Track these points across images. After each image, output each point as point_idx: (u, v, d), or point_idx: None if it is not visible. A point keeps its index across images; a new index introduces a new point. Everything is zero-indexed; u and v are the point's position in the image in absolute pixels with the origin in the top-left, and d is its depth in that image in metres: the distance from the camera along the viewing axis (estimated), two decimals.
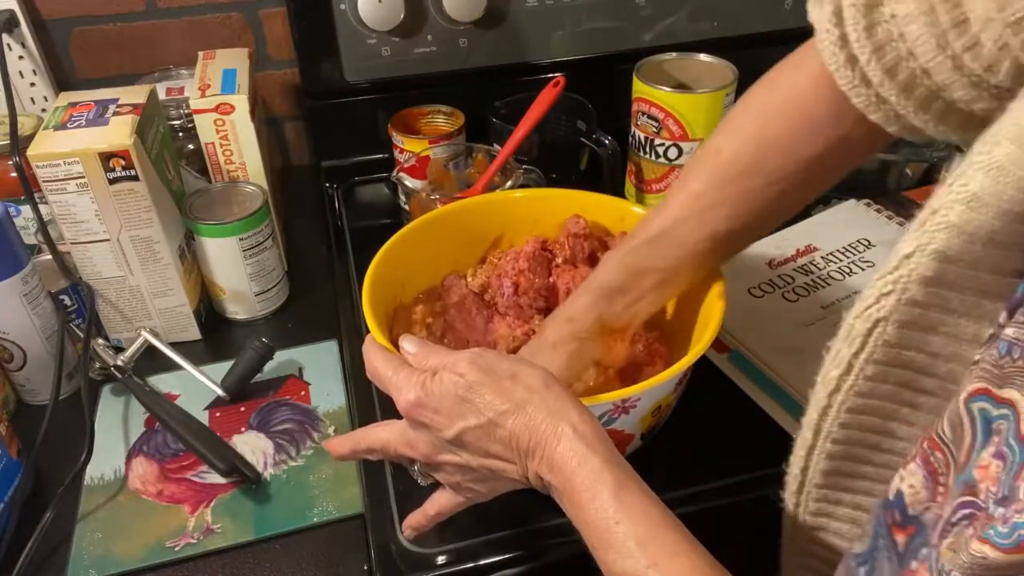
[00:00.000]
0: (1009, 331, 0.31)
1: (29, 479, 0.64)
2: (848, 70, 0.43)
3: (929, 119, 0.43)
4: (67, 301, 0.73)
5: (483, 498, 0.52)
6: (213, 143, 0.79)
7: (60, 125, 0.69)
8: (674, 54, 0.88)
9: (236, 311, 0.82)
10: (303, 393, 0.73)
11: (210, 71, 0.80)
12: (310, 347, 0.78)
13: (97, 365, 0.73)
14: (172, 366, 0.73)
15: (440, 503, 0.54)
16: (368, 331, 0.57)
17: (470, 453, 0.47)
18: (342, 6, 0.89)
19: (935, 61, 0.39)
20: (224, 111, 0.76)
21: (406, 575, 0.57)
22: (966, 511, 0.29)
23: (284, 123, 1.07)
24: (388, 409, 0.51)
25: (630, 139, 0.88)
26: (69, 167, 0.66)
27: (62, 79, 0.95)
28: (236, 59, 0.83)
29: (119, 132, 0.67)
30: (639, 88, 0.83)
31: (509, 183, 0.80)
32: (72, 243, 0.71)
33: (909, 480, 0.34)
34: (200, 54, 0.85)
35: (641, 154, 0.86)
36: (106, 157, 0.66)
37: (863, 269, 0.78)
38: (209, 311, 0.82)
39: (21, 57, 0.90)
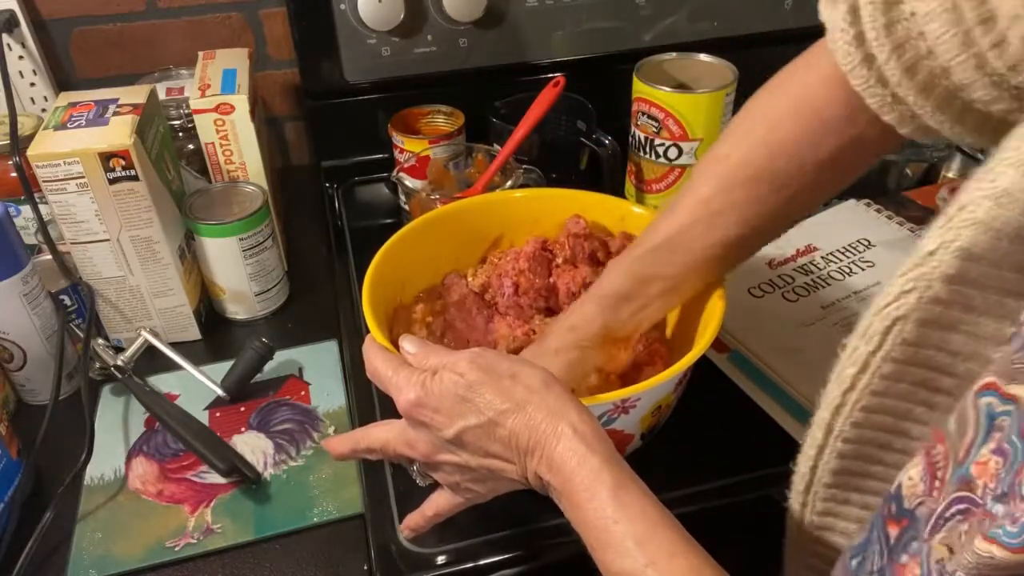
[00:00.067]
0: None
1: (29, 479, 0.64)
2: (864, 69, 0.43)
3: (946, 120, 0.42)
4: (67, 301, 0.73)
5: (482, 499, 0.52)
6: (213, 143, 0.79)
7: (60, 125, 0.69)
8: (674, 54, 0.88)
9: (236, 311, 0.82)
10: (303, 393, 0.73)
11: (210, 71, 0.80)
12: (310, 347, 0.78)
13: (97, 365, 0.73)
14: (172, 366, 0.73)
15: (438, 504, 0.54)
16: (368, 331, 0.57)
17: (469, 453, 0.47)
18: (342, 6, 0.89)
19: (957, 60, 0.39)
20: (224, 111, 0.77)
21: (406, 575, 0.57)
22: (960, 507, 0.29)
23: (284, 123, 1.07)
24: (388, 409, 0.51)
25: (630, 139, 0.88)
26: (69, 167, 0.66)
27: (62, 79, 0.95)
28: (236, 59, 0.83)
29: (119, 132, 0.67)
30: (639, 88, 0.83)
31: (509, 183, 0.80)
32: (72, 243, 0.71)
33: (910, 472, 0.34)
34: (200, 54, 0.85)
35: (641, 154, 0.86)
36: (106, 157, 0.66)
37: (863, 269, 0.78)
38: (209, 311, 0.82)
39: (21, 57, 0.90)
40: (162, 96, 0.87)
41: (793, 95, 0.51)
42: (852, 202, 0.87)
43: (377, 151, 1.00)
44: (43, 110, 0.92)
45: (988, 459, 0.28)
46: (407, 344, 0.51)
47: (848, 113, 0.47)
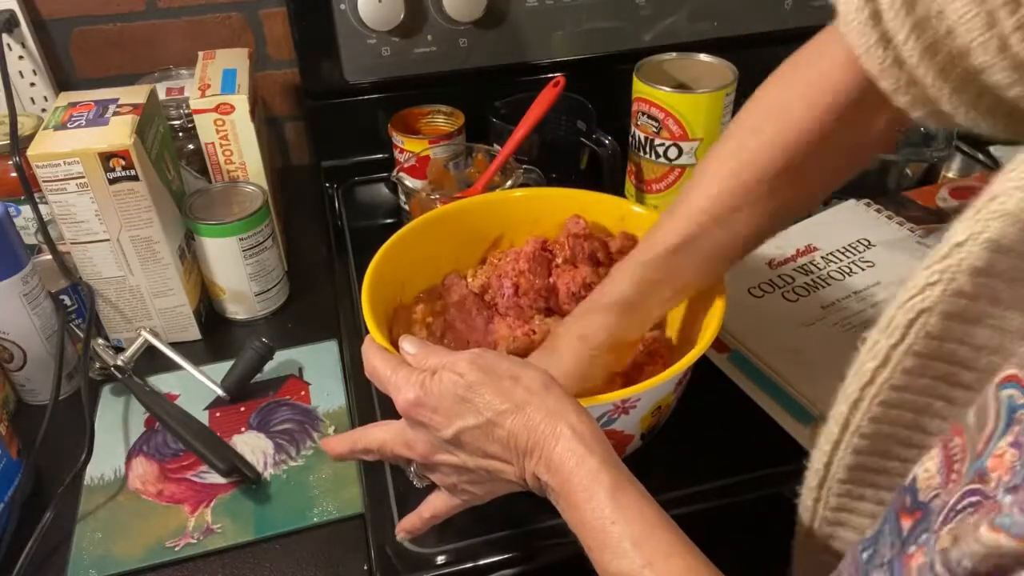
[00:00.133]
0: None
1: (29, 479, 0.64)
2: (879, 50, 0.41)
3: (961, 103, 0.41)
4: (67, 301, 0.74)
5: (479, 500, 0.52)
6: (213, 143, 0.79)
7: (60, 125, 0.69)
8: (674, 54, 0.88)
9: (236, 311, 0.82)
10: (303, 393, 0.73)
11: (210, 71, 0.80)
12: (310, 347, 0.78)
13: (97, 365, 0.73)
14: (172, 366, 0.73)
15: (435, 505, 0.54)
16: (368, 331, 0.57)
17: (468, 453, 0.47)
18: (342, 6, 0.89)
19: (979, 40, 0.37)
20: (224, 111, 0.77)
21: (405, 575, 0.57)
22: (972, 499, 0.28)
23: (284, 123, 1.07)
24: (388, 409, 0.51)
25: (630, 139, 0.88)
26: (69, 167, 0.66)
27: (62, 79, 0.95)
28: (236, 59, 0.83)
29: (119, 132, 0.67)
30: (639, 88, 0.83)
31: (509, 183, 0.80)
32: (72, 243, 0.71)
33: (926, 464, 0.33)
34: (200, 54, 0.85)
35: (641, 154, 0.86)
36: (106, 157, 0.66)
37: (863, 269, 0.78)
38: (209, 311, 0.82)
39: (21, 57, 0.90)
40: (162, 96, 0.87)
41: (803, 84, 0.50)
42: (852, 202, 0.87)
43: (377, 151, 1.00)
44: (43, 110, 0.92)
45: (1005, 451, 0.28)
46: (407, 344, 0.51)
47: (858, 99, 0.46)
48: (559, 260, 0.68)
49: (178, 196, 0.77)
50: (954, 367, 0.37)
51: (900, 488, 0.35)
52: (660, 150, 0.84)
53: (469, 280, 0.70)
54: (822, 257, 0.80)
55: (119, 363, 0.72)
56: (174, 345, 0.75)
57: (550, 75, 0.87)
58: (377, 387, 0.51)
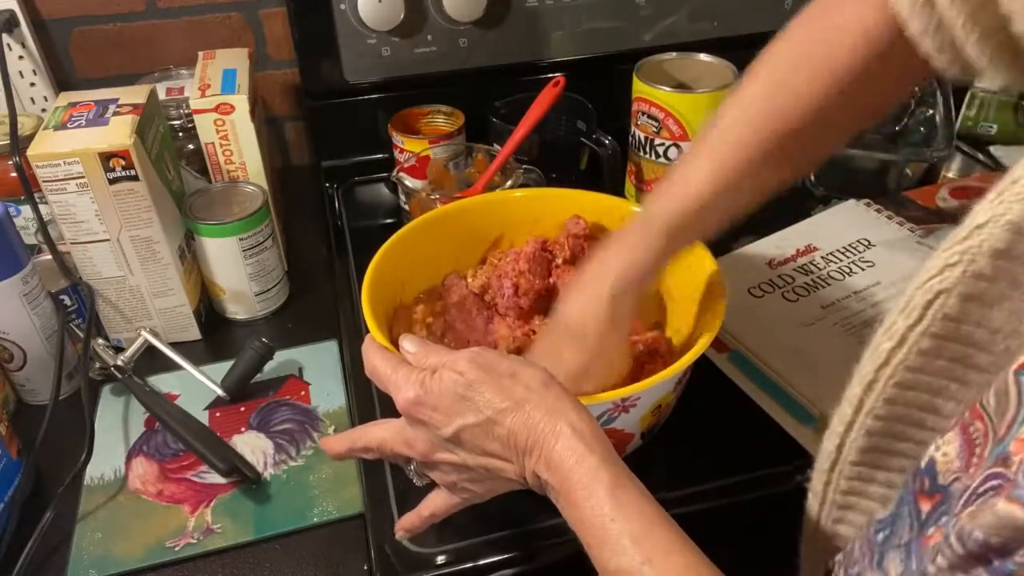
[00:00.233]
0: None
1: (29, 479, 0.64)
2: None
3: (985, 51, 0.42)
4: (67, 301, 0.74)
5: (479, 499, 0.52)
6: (213, 143, 0.79)
7: (60, 125, 0.69)
8: (674, 54, 0.88)
9: (236, 311, 0.82)
10: (303, 393, 0.73)
11: (210, 71, 0.80)
12: (310, 347, 0.78)
13: (97, 365, 0.73)
14: (172, 366, 0.73)
15: (435, 504, 0.54)
16: (368, 331, 0.57)
17: (467, 451, 0.47)
18: (342, 6, 0.89)
19: None
20: (224, 111, 0.77)
21: (405, 575, 0.57)
22: (994, 483, 0.28)
23: (284, 123, 1.07)
24: (388, 409, 0.51)
25: (630, 139, 0.88)
26: (69, 167, 0.66)
27: (62, 79, 0.95)
28: (236, 59, 0.83)
29: (119, 132, 0.67)
30: (639, 88, 0.83)
31: (509, 183, 0.80)
32: (72, 243, 0.71)
33: (944, 448, 0.33)
34: (200, 54, 0.85)
35: (641, 154, 0.86)
36: (106, 157, 0.66)
37: (863, 269, 0.78)
38: (209, 311, 0.82)
39: (21, 57, 0.90)
40: (162, 96, 0.88)
41: (831, 29, 0.50)
42: (852, 202, 0.87)
43: (377, 151, 1.00)
44: (43, 110, 0.92)
45: None
46: (407, 343, 0.51)
47: (883, 51, 0.47)
48: (559, 260, 0.68)
49: (178, 196, 0.77)
50: (970, 349, 0.37)
51: (915, 470, 0.35)
52: (660, 150, 0.84)
53: (469, 280, 0.70)
54: (822, 257, 0.80)
55: (119, 363, 0.72)
56: (174, 345, 0.75)
57: (550, 75, 0.87)
58: (377, 386, 0.51)
